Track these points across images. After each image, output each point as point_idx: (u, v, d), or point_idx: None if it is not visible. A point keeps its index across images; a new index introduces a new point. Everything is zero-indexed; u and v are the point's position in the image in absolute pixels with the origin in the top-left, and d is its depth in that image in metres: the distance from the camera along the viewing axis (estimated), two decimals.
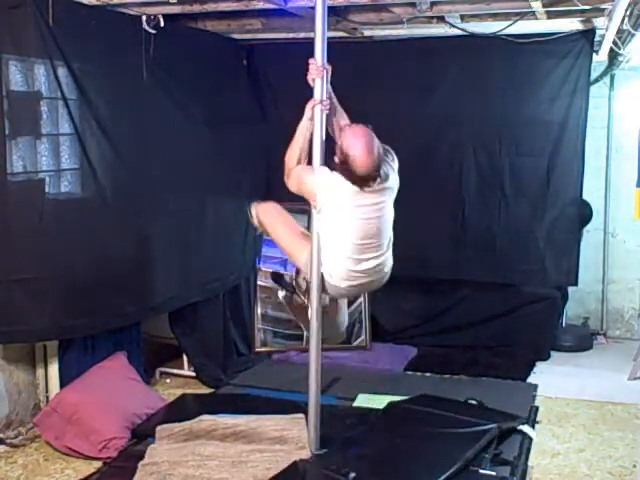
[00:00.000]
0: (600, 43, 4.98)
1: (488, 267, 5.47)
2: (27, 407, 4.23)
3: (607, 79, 5.96)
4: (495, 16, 4.58)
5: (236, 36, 5.27)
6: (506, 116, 5.31)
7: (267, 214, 3.90)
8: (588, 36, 4.94)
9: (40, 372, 4.27)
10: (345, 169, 3.40)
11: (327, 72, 3.50)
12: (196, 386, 5.03)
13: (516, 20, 4.55)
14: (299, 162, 3.56)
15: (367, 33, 5.12)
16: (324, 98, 3.49)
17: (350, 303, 5.45)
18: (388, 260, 3.69)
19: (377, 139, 3.40)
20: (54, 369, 4.23)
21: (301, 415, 3.89)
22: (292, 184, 3.58)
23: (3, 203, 3.72)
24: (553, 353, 5.62)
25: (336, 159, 3.43)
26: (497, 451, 3.74)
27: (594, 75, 5.56)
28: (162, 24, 4.40)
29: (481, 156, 5.41)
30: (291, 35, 5.07)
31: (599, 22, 4.59)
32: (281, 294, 5.41)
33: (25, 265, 3.82)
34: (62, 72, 3.89)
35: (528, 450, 3.89)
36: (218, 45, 5.15)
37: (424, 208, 5.35)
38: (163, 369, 5.26)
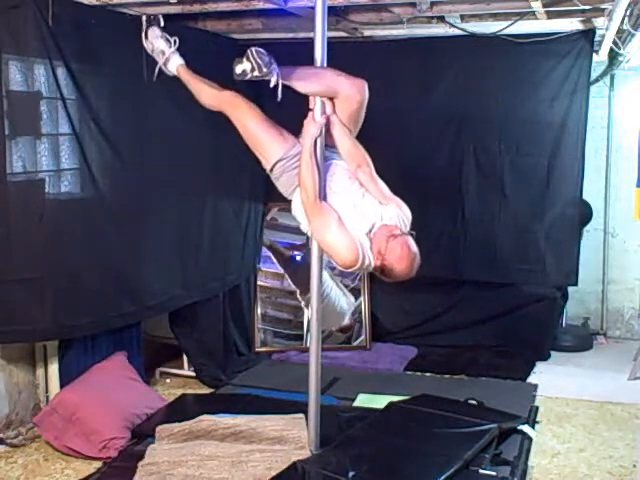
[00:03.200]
0: (600, 43, 4.98)
1: (488, 267, 5.46)
2: (27, 407, 4.23)
3: (607, 79, 5.96)
4: (495, 16, 4.57)
5: (236, 36, 5.26)
6: (506, 116, 5.30)
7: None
8: (588, 36, 4.94)
9: (40, 372, 4.27)
10: (378, 268, 3.26)
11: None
12: (196, 386, 5.03)
13: (516, 20, 4.54)
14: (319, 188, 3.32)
15: (367, 33, 5.11)
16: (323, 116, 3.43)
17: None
18: None
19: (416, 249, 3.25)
20: (54, 369, 4.23)
21: (301, 415, 3.89)
22: (316, 226, 3.31)
23: (3, 203, 3.72)
24: (553, 353, 5.62)
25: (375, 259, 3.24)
26: (497, 451, 3.74)
27: (594, 75, 5.56)
28: (162, 24, 4.40)
29: (481, 156, 5.41)
30: (291, 35, 5.05)
31: (599, 22, 4.58)
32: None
33: (25, 265, 3.82)
34: (61, 72, 3.88)
35: (528, 450, 3.90)
36: (218, 45, 5.15)
37: (424, 208, 5.33)
38: (163, 369, 5.26)
